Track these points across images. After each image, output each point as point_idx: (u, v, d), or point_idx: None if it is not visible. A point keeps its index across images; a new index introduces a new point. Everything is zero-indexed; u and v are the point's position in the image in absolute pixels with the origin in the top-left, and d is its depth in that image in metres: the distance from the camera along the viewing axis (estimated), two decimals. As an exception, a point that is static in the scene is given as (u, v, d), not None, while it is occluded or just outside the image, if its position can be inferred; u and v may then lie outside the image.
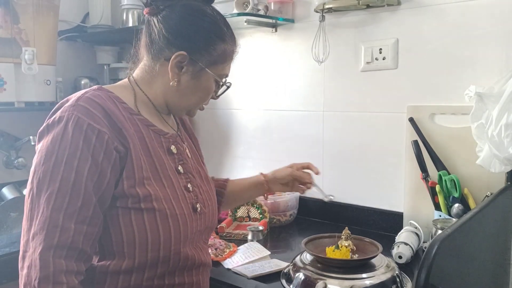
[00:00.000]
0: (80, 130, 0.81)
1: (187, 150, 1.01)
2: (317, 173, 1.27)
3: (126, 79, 0.98)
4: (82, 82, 2.16)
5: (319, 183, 1.28)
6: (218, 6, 1.74)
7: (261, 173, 1.27)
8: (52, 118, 0.84)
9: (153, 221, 0.86)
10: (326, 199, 1.29)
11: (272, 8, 1.73)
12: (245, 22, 1.68)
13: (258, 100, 1.92)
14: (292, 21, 1.76)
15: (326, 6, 1.57)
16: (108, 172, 0.83)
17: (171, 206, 0.89)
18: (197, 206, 0.95)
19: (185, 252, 0.92)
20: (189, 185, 0.95)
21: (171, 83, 0.93)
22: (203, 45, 0.92)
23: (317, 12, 1.63)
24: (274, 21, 1.75)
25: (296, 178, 1.25)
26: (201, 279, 0.99)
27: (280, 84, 1.84)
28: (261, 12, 1.73)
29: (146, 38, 0.95)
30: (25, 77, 1.78)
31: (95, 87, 0.89)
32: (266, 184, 1.25)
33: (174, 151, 0.96)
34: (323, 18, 1.63)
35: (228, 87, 1.01)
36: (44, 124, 0.85)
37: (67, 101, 0.86)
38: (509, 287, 1.36)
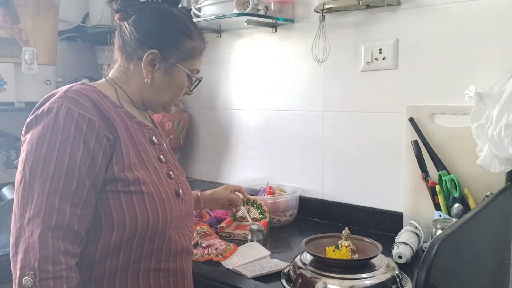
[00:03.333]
0: (71, 119, 0.85)
1: (164, 143, 1.07)
2: (246, 199, 1.47)
3: (104, 79, 1.03)
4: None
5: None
6: (218, 6, 1.76)
7: (198, 191, 1.38)
8: (41, 109, 0.87)
9: (142, 202, 0.91)
10: (251, 224, 1.52)
11: (272, 8, 1.73)
12: (245, 22, 1.68)
13: (258, 100, 1.92)
14: (292, 21, 1.76)
15: (326, 6, 1.57)
16: (99, 158, 0.87)
17: (157, 190, 0.94)
18: (180, 191, 1.01)
19: (169, 234, 0.97)
20: (170, 173, 1.02)
21: (145, 80, 0.99)
22: (172, 43, 1.00)
23: (317, 12, 1.63)
24: (274, 21, 1.75)
25: (229, 200, 1.41)
26: (184, 265, 1.03)
27: (280, 84, 1.84)
28: (261, 12, 1.73)
29: (119, 41, 1.02)
30: (25, 77, 1.78)
31: (78, 82, 0.94)
32: (202, 202, 1.37)
33: (156, 141, 1.02)
34: (323, 18, 1.63)
35: (200, 80, 1.09)
36: (32, 116, 0.88)
37: (53, 94, 0.90)
38: (509, 287, 1.36)
